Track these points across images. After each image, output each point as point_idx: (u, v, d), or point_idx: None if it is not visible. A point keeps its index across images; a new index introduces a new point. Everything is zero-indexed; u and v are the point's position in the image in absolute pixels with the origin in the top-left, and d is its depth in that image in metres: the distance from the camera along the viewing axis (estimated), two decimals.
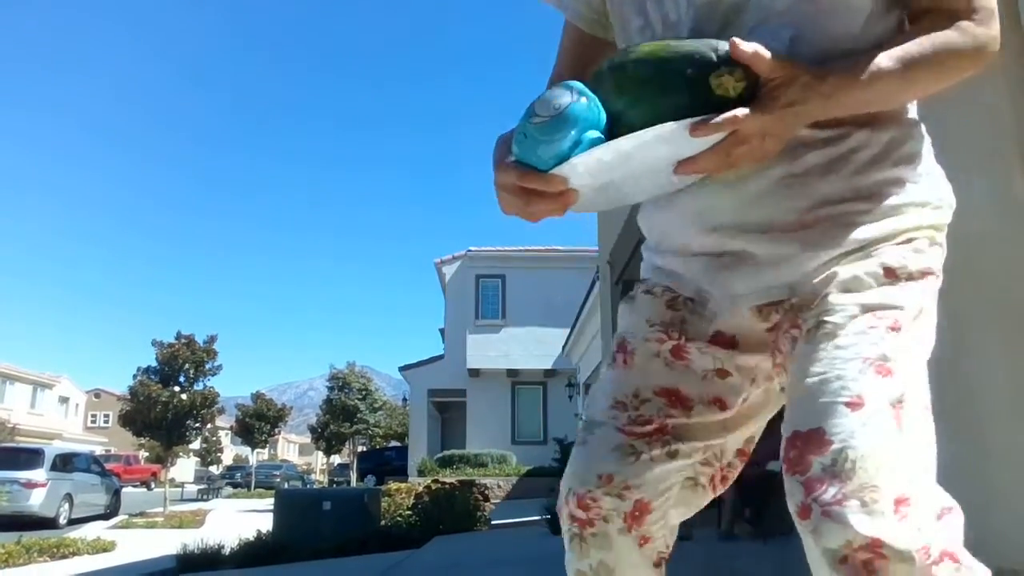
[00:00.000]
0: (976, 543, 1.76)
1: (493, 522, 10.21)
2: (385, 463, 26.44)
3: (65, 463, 15.16)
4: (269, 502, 12.09)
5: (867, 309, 0.85)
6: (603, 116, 0.81)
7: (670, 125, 0.77)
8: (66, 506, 14.63)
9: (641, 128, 0.78)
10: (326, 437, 35.00)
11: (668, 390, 0.96)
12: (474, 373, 20.41)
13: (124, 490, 19.75)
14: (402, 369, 22.89)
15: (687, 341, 0.97)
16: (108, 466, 20.38)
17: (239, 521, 14.14)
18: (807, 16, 0.87)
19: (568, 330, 16.03)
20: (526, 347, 19.84)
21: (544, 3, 1.13)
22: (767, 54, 0.78)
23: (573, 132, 0.78)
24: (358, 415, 34.04)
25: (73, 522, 14.57)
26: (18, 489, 13.29)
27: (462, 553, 6.01)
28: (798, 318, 0.88)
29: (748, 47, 0.77)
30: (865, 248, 0.88)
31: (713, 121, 0.76)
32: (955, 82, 0.89)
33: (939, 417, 2.02)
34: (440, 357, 22.49)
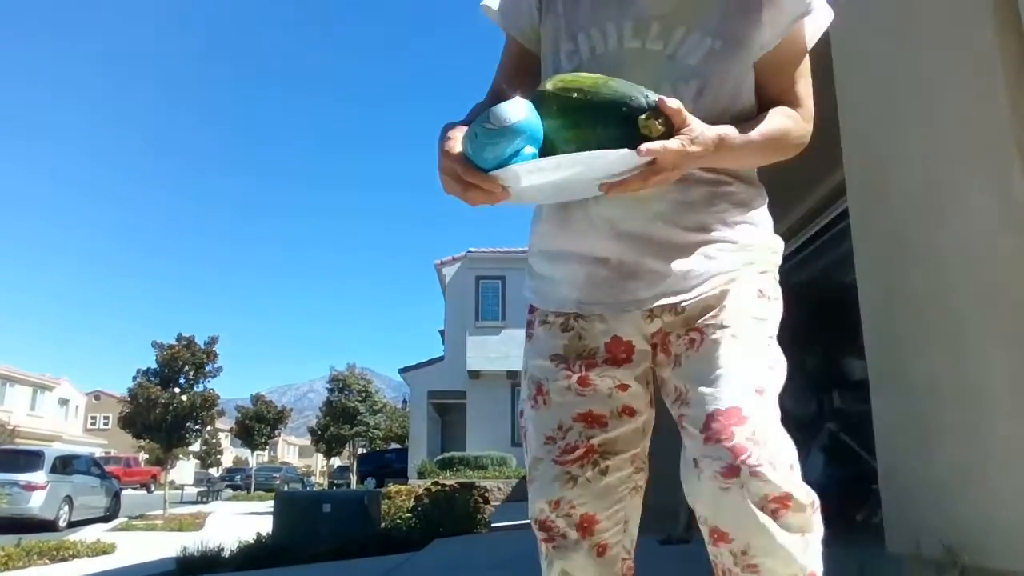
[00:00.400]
0: (977, 544, 1.76)
1: (493, 524, 10.20)
2: (385, 465, 26.43)
3: (65, 465, 15.15)
4: (269, 504, 12.09)
5: (757, 320, 1.12)
6: (542, 134, 0.96)
7: (615, 153, 0.94)
8: (66, 508, 14.61)
9: (575, 149, 0.95)
10: (326, 439, 34.96)
11: (583, 414, 1.15)
12: (474, 375, 20.39)
13: (124, 492, 19.74)
14: (402, 371, 22.88)
15: (587, 370, 1.16)
16: (108, 468, 20.37)
17: (239, 524, 14.13)
18: (710, 78, 1.10)
19: None
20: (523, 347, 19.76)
21: (492, 22, 1.26)
22: (684, 111, 0.98)
23: (516, 142, 0.93)
24: (358, 417, 34.03)
25: (73, 524, 14.54)
26: (18, 491, 13.27)
27: (462, 555, 6.00)
28: (694, 323, 1.10)
29: (673, 103, 0.97)
30: (740, 272, 1.13)
31: (650, 147, 0.94)
32: (781, 160, 1.17)
33: (939, 417, 2.02)
34: (440, 359, 22.47)
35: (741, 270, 1.12)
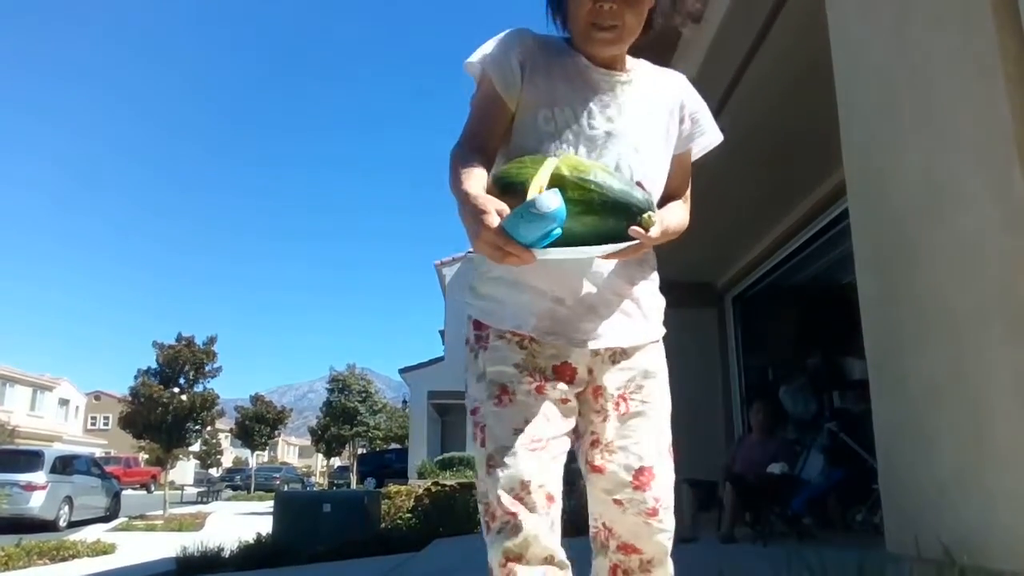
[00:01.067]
0: (977, 544, 1.76)
1: None
2: (385, 466, 26.41)
3: (65, 466, 15.15)
4: (269, 505, 12.08)
5: (664, 393, 1.49)
6: (566, 216, 1.18)
7: (623, 246, 1.29)
8: (66, 509, 14.61)
9: (591, 230, 1.27)
10: (326, 440, 34.94)
11: (543, 415, 1.39)
12: None
13: (124, 493, 19.74)
14: (402, 371, 22.87)
15: (545, 381, 1.41)
16: (108, 468, 20.37)
17: (239, 524, 14.13)
18: (644, 167, 1.45)
19: None
20: None
21: (487, 81, 1.46)
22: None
23: (552, 226, 1.16)
24: (358, 417, 34.01)
25: (73, 525, 14.55)
26: (18, 492, 13.27)
27: (462, 556, 5.99)
28: (630, 378, 1.45)
29: (654, 205, 1.36)
30: (658, 336, 1.51)
31: (647, 237, 1.30)
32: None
33: (939, 417, 2.02)
34: (440, 359, 22.46)
35: (656, 338, 1.50)
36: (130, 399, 21.31)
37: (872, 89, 2.27)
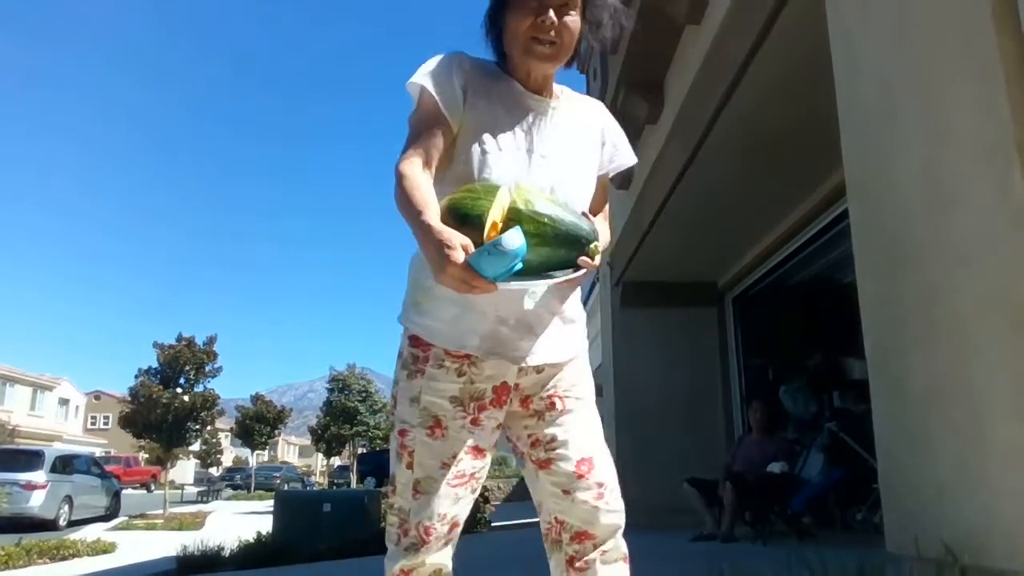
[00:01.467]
0: (977, 544, 1.76)
1: (493, 524, 10.20)
2: (385, 465, 26.27)
3: (65, 465, 15.14)
4: (269, 504, 12.08)
5: (592, 392, 1.62)
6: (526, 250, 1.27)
7: (575, 275, 1.41)
8: (66, 508, 14.61)
9: (544, 257, 1.36)
10: (326, 439, 34.94)
11: (472, 448, 1.50)
12: None
13: (124, 492, 19.73)
14: None
15: (479, 412, 1.50)
16: (108, 468, 20.36)
17: (239, 523, 14.13)
18: (575, 188, 1.56)
19: None
20: None
21: (426, 97, 1.49)
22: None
23: (515, 261, 1.25)
24: (358, 417, 34.01)
25: (73, 524, 14.55)
26: (18, 491, 13.27)
27: (462, 555, 5.99)
28: (551, 388, 1.56)
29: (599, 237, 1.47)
30: (582, 350, 1.63)
31: (593, 263, 1.41)
32: None
33: (939, 417, 2.02)
34: None
35: (582, 348, 1.63)
36: (129, 399, 21.30)
37: (872, 89, 2.28)
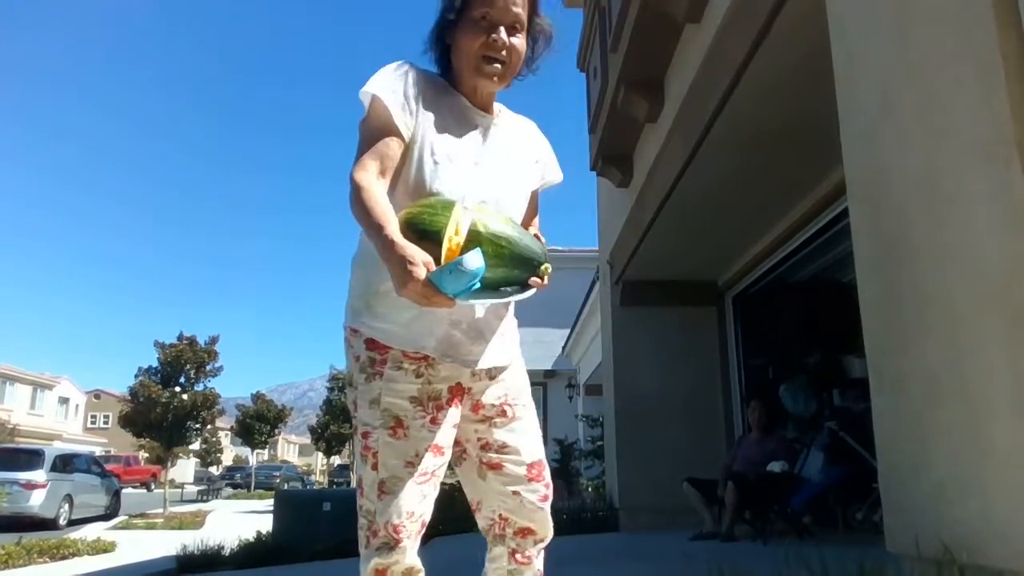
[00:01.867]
0: (977, 543, 1.76)
1: None
2: None
3: (65, 464, 15.16)
4: (269, 503, 12.09)
5: (531, 397, 1.77)
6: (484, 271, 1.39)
7: (526, 293, 1.54)
8: (66, 507, 14.63)
9: (501, 275, 1.49)
10: (326, 438, 34.95)
11: (433, 446, 1.56)
12: None
13: (124, 491, 19.74)
14: None
15: (437, 412, 1.57)
16: (108, 467, 20.37)
17: (239, 522, 14.14)
18: (513, 200, 1.68)
19: (568, 331, 16.00)
20: (526, 347, 18.86)
21: (379, 105, 1.55)
22: None
23: (475, 281, 1.36)
24: None
25: (73, 523, 14.57)
26: (18, 490, 13.28)
27: (462, 555, 5.99)
28: (505, 391, 1.69)
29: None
30: (517, 358, 1.76)
31: (545, 283, 1.56)
32: None
33: (939, 417, 2.01)
34: None
35: (518, 354, 1.77)
36: (129, 399, 21.30)
37: (872, 88, 2.27)
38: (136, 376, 21.53)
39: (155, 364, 21.67)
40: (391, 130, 1.54)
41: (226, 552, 7.86)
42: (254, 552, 7.74)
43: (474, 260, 1.35)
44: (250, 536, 8.46)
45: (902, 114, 2.11)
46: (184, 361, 21.42)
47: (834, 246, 5.68)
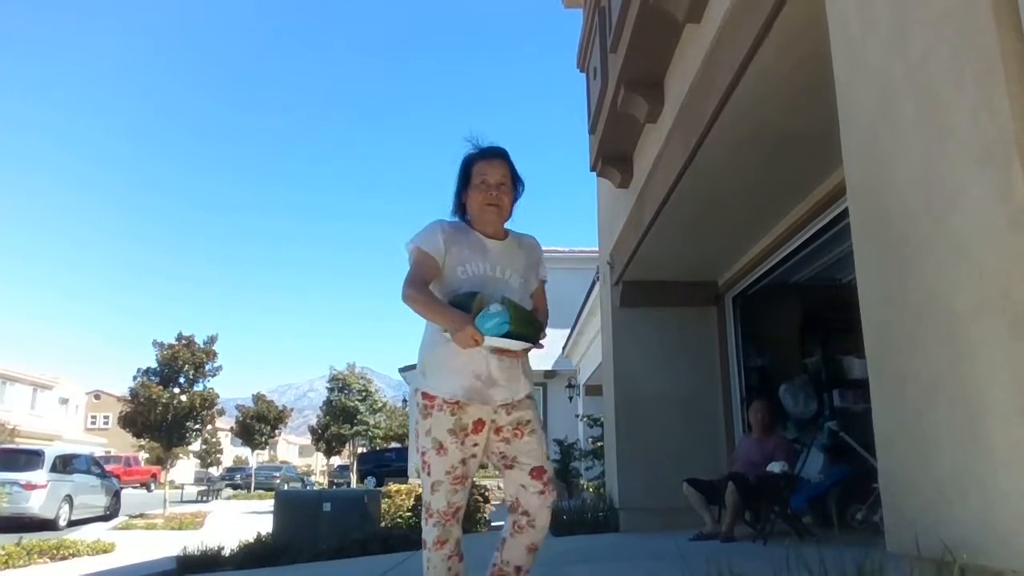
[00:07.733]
0: (977, 543, 1.76)
1: (493, 523, 10.20)
2: (385, 464, 26.41)
3: (65, 464, 15.15)
4: (269, 504, 12.07)
5: (539, 422, 2.61)
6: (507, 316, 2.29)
7: (527, 346, 2.42)
8: (66, 507, 14.62)
9: (519, 327, 2.31)
10: (326, 438, 34.94)
11: (463, 459, 2.48)
12: None
13: (124, 491, 19.74)
14: (402, 370, 22.84)
15: (465, 438, 2.46)
16: (108, 467, 20.36)
17: (239, 523, 14.14)
18: (519, 298, 2.50)
19: (568, 331, 16.00)
20: None
21: (419, 251, 2.52)
22: None
23: (501, 322, 2.27)
24: (358, 416, 34.01)
25: (73, 523, 14.56)
26: (18, 490, 13.29)
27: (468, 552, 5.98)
28: (517, 420, 2.53)
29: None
30: (531, 393, 2.61)
31: (543, 346, 2.49)
32: None
33: (939, 417, 2.01)
34: None
35: (531, 389, 2.61)
36: (129, 399, 21.26)
37: (872, 89, 2.27)
38: (135, 377, 21.49)
39: (154, 365, 21.62)
40: (429, 262, 2.49)
41: (226, 553, 7.85)
42: (254, 553, 7.73)
43: (497, 307, 2.27)
44: (250, 537, 8.45)
45: (902, 114, 2.11)
46: (182, 361, 21.37)
47: (834, 246, 5.67)
